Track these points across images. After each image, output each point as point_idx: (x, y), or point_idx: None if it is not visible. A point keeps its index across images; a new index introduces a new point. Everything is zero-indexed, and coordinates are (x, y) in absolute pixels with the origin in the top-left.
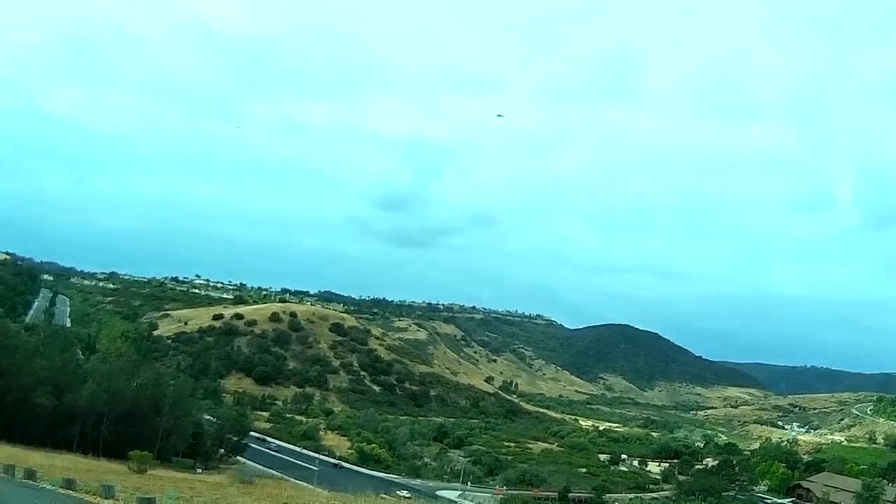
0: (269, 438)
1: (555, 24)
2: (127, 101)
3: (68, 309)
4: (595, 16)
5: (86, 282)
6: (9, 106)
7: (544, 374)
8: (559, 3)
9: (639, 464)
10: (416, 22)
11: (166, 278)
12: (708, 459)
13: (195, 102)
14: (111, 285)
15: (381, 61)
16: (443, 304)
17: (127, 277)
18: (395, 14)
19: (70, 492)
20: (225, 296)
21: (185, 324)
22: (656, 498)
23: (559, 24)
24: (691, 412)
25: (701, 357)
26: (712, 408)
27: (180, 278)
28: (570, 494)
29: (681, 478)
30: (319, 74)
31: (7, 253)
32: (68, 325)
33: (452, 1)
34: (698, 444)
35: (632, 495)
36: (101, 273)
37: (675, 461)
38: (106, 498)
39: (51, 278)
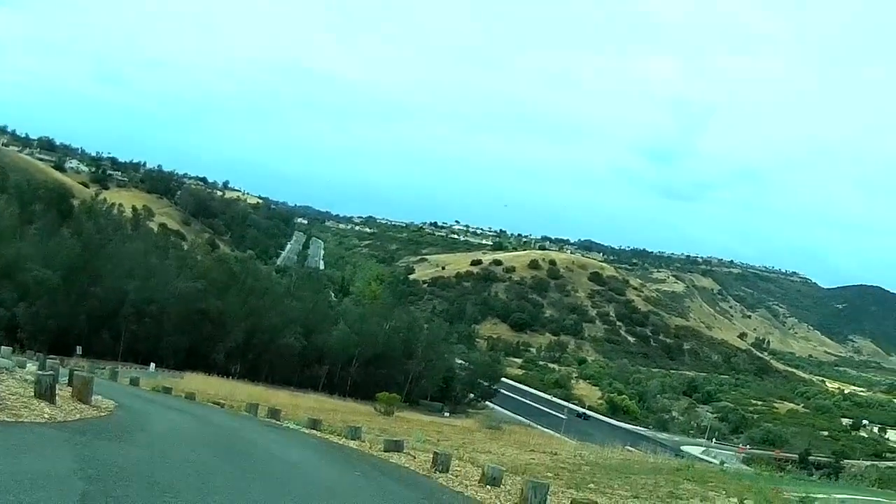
0: (518, 385)
1: None
2: (391, 52)
3: (322, 252)
4: None
5: (341, 225)
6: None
7: (796, 333)
8: None
9: (878, 431)
10: None
11: (424, 223)
12: None
13: (462, 54)
14: (368, 229)
15: (652, 13)
16: (701, 257)
17: (384, 222)
18: None
19: (315, 432)
20: (484, 242)
21: (443, 268)
22: (891, 467)
23: None
24: None
25: None
26: None
27: (439, 223)
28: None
29: None
30: (588, 26)
31: (260, 197)
32: (321, 267)
33: None
34: None
35: (868, 463)
36: (358, 217)
37: None
38: (352, 439)
39: (305, 222)
